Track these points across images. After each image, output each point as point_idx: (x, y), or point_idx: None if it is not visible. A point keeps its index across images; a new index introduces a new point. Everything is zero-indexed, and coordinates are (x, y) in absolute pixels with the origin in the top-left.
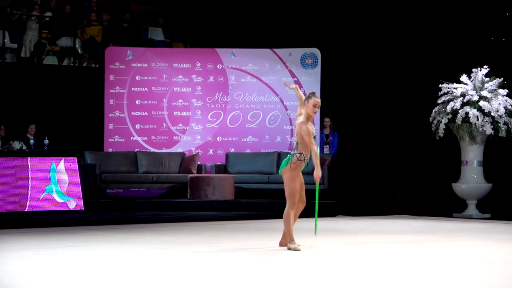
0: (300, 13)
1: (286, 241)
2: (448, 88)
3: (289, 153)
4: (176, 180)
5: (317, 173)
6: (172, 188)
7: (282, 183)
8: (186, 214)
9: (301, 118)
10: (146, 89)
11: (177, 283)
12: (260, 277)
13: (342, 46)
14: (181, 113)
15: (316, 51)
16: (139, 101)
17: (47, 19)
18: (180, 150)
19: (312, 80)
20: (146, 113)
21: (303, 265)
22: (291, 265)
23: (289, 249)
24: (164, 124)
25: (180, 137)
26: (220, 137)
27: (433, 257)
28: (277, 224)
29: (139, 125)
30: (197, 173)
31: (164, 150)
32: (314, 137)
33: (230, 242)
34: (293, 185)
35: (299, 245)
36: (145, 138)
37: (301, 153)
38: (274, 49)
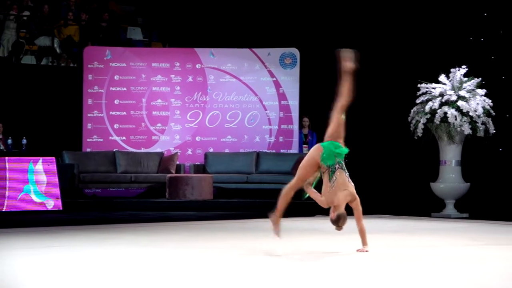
0: (279, 13)
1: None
2: (427, 88)
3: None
4: (154, 180)
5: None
6: (151, 188)
7: (261, 183)
8: (165, 214)
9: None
10: (124, 88)
11: (155, 283)
12: (237, 278)
13: (321, 46)
14: (159, 112)
15: (295, 51)
16: (117, 100)
17: (25, 18)
18: (158, 150)
19: (291, 80)
20: (124, 113)
21: (279, 265)
22: (267, 265)
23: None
24: (142, 123)
25: (159, 137)
26: (199, 137)
27: (410, 256)
28: (256, 224)
29: (117, 125)
30: (175, 173)
31: (143, 150)
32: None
33: (208, 242)
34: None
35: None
36: (124, 138)
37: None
38: (253, 49)
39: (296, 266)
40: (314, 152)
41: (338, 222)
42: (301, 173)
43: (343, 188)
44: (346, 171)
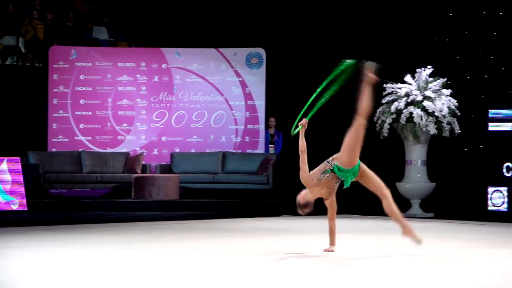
0: (245, 13)
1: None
2: (392, 88)
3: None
4: (120, 180)
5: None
6: (117, 188)
7: (227, 183)
8: (131, 214)
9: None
10: (90, 88)
11: (119, 284)
12: (201, 278)
13: (287, 45)
14: (125, 112)
15: (261, 51)
16: (83, 100)
17: None
18: (124, 150)
19: (257, 80)
20: (90, 113)
21: (244, 264)
22: (232, 265)
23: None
24: (108, 123)
25: (125, 137)
26: (165, 137)
27: (377, 255)
28: (222, 224)
29: (83, 125)
30: (141, 173)
31: (109, 150)
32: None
33: (174, 242)
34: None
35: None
36: (89, 137)
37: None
38: (219, 49)
39: (261, 266)
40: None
41: (303, 208)
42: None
43: (325, 186)
44: (337, 183)
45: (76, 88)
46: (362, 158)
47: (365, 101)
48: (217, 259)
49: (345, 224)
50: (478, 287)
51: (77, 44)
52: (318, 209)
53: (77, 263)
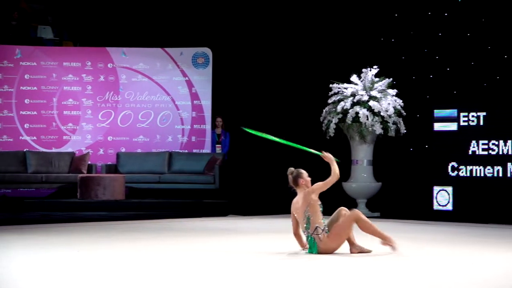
0: (191, 12)
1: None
2: (339, 88)
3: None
4: (66, 180)
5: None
6: (62, 188)
7: (173, 183)
8: (76, 214)
9: (299, 196)
10: (35, 88)
11: (64, 285)
12: (148, 278)
13: (234, 45)
14: (71, 112)
15: (208, 51)
16: (28, 100)
17: None
18: (70, 149)
19: (203, 79)
20: (35, 113)
21: (190, 264)
22: (177, 265)
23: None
24: (53, 123)
25: (70, 137)
26: (111, 137)
27: (317, 256)
28: (169, 224)
29: (28, 125)
30: (87, 173)
31: (54, 150)
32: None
33: (120, 243)
34: (345, 234)
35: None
36: (34, 137)
37: (316, 228)
38: (165, 48)
39: (209, 266)
40: (333, 244)
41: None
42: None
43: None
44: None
45: (21, 87)
46: (308, 159)
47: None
48: (162, 259)
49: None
50: (419, 285)
51: (21, 43)
52: (263, 209)
53: (21, 264)
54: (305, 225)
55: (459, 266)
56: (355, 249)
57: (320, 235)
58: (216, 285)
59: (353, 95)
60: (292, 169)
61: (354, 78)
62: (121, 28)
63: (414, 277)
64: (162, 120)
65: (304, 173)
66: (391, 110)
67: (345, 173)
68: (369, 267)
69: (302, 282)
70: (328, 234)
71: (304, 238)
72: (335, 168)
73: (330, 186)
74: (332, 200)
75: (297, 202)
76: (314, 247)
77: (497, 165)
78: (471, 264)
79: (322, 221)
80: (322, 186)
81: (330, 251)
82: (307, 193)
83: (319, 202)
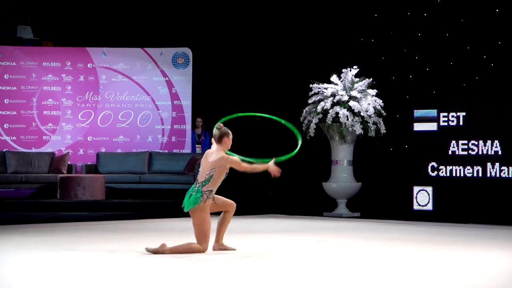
0: (171, 12)
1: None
2: (319, 88)
3: (194, 187)
4: (45, 180)
5: (272, 168)
6: (42, 188)
7: (153, 183)
8: (56, 214)
9: (216, 152)
10: (14, 88)
11: (46, 285)
12: (126, 279)
13: (214, 45)
14: (50, 112)
15: (188, 51)
16: (7, 100)
17: None
18: (49, 150)
19: (183, 79)
20: (14, 113)
21: (171, 265)
22: (158, 266)
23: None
24: (33, 123)
25: (50, 137)
26: (91, 137)
27: (302, 255)
28: (149, 225)
29: (7, 125)
30: (67, 173)
31: (34, 150)
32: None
33: (100, 243)
34: (206, 226)
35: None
36: (14, 137)
37: (210, 190)
38: (145, 49)
39: (188, 266)
40: (198, 216)
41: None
42: (203, 235)
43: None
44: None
45: (0, 87)
46: (288, 158)
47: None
48: (142, 260)
49: (270, 223)
50: (398, 286)
51: (1, 43)
52: (243, 209)
53: (1, 266)
54: (204, 180)
55: (439, 266)
56: (217, 246)
57: (208, 198)
58: (194, 285)
59: (333, 95)
60: (221, 124)
61: (334, 78)
62: (101, 28)
63: (394, 278)
64: (142, 120)
65: (231, 134)
66: (371, 110)
67: (326, 173)
68: (345, 271)
69: (281, 280)
70: (210, 204)
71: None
72: (259, 168)
73: (240, 171)
74: (312, 200)
75: (211, 155)
76: (197, 200)
77: (477, 165)
78: (450, 264)
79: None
80: (237, 165)
81: (197, 217)
82: (225, 161)
83: (227, 172)
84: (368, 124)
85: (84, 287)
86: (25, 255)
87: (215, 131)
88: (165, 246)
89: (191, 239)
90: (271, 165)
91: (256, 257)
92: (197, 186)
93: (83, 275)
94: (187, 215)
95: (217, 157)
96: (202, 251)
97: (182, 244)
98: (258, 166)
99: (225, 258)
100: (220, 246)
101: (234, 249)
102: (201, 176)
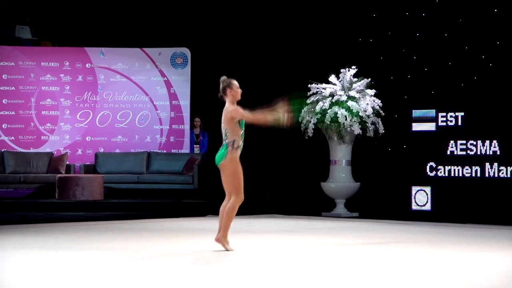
0: (170, 12)
1: (223, 237)
2: (317, 88)
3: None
4: (44, 180)
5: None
6: (40, 188)
7: (152, 183)
8: (55, 214)
9: (225, 107)
10: (13, 88)
11: (44, 285)
12: (125, 279)
13: (212, 45)
14: (49, 112)
15: (186, 51)
16: (6, 100)
17: None
18: (48, 150)
19: (182, 79)
20: (13, 113)
21: (169, 265)
22: (156, 266)
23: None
24: (32, 123)
25: (48, 137)
26: (89, 137)
27: (300, 255)
28: (147, 224)
29: (6, 125)
30: (65, 173)
31: (32, 150)
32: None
33: (98, 243)
34: (238, 178)
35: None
36: (12, 137)
37: (233, 141)
38: (144, 49)
39: (186, 266)
40: (229, 168)
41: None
42: (237, 187)
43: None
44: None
45: None
46: (287, 158)
47: (257, 116)
48: (140, 260)
49: (270, 224)
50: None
51: None
52: (242, 209)
53: (0, 266)
54: (224, 137)
55: (437, 267)
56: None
57: (234, 148)
58: (193, 285)
59: (332, 95)
60: (225, 77)
61: (332, 78)
62: (100, 28)
63: (393, 278)
64: (140, 120)
65: (235, 84)
66: (370, 110)
67: (324, 173)
68: (343, 271)
69: (280, 281)
70: (231, 161)
71: (268, 115)
72: (268, 117)
73: (251, 122)
74: (311, 200)
75: (224, 112)
76: (224, 153)
77: (475, 165)
78: (449, 264)
79: (241, 138)
80: (236, 113)
81: (228, 169)
82: (226, 111)
83: (239, 119)
84: (367, 124)
85: (83, 287)
86: (23, 255)
87: (220, 85)
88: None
89: (190, 238)
90: (282, 108)
91: (254, 257)
92: (222, 144)
93: (81, 275)
94: (185, 215)
95: (227, 113)
96: (239, 203)
97: (223, 219)
98: (266, 115)
99: (224, 258)
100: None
101: (233, 250)
102: (223, 134)
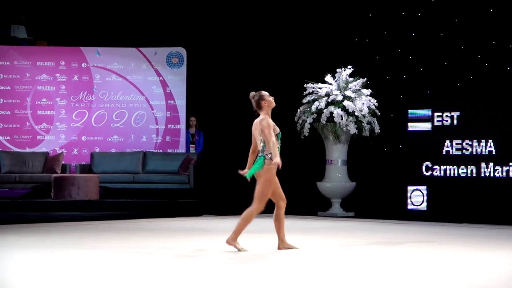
0: (166, 12)
1: (233, 240)
2: (313, 87)
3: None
4: (40, 180)
5: (276, 160)
6: (36, 188)
7: (148, 182)
8: (50, 214)
9: (259, 119)
10: (8, 87)
11: (39, 285)
12: (121, 278)
13: (208, 45)
14: (45, 112)
15: (182, 50)
16: (1, 99)
17: None
18: (44, 149)
19: (178, 79)
20: (8, 112)
21: (165, 265)
22: (152, 266)
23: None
24: (27, 123)
25: (44, 137)
26: (85, 137)
27: (296, 255)
28: (143, 224)
29: (1, 124)
30: (61, 173)
31: (28, 150)
32: (278, 134)
33: (94, 243)
34: (268, 188)
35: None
36: (8, 137)
37: (271, 153)
38: (140, 48)
39: (182, 266)
40: (264, 178)
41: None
42: (263, 196)
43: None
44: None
45: None
46: (282, 158)
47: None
48: (135, 260)
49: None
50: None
51: None
52: (238, 209)
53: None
54: (262, 144)
55: (433, 266)
56: (282, 246)
57: (270, 160)
58: (188, 285)
59: (328, 95)
60: (253, 92)
61: (328, 78)
62: (95, 28)
63: (390, 278)
64: (136, 120)
65: (266, 94)
66: (366, 110)
67: (320, 172)
68: (339, 270)
69: (275, 281)
70: (267, 171)
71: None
72: (274, 151)
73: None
74: (307, 199)
75: (257, 124)
76: (260, 165)
77: (471, 164)
78: (445, 264)
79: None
80: (265, 129)
81: (262, 178)
82: (259, 123)
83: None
84: (363, 124)
85: (78, 287)
86: (19, 255)
87: (252, 102)
88: (232, 243)
89: (188, 238)
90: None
91: (252, 257)
92: (259, 155)
93: (77, 275)
94: (181, 214)
95: (258, 123)
96: (258, 211)
97: (240, 223)
98: (275, 150)
99: (223, 258)
100: (285, 245)
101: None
102: (259, 144)
